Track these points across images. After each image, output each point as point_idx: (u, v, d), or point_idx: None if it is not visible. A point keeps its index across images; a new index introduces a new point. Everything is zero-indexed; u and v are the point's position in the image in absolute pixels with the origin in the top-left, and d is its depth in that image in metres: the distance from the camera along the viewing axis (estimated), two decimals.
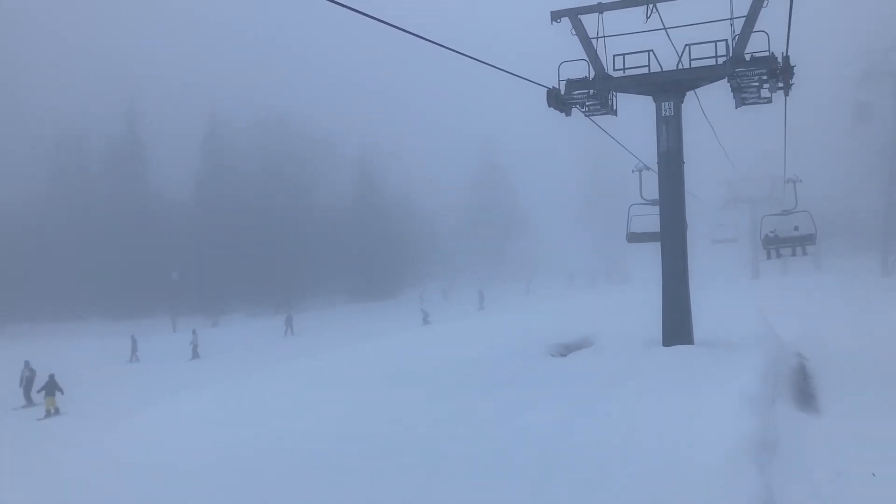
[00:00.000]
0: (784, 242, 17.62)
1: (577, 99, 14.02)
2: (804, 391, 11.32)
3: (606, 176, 71.17)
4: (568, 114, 14.98)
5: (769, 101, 14.19)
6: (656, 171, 14.08)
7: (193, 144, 60.80)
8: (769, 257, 18.50)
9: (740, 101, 14.13)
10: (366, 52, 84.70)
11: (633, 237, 15.87)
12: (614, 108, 14.83)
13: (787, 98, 15.19)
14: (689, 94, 14.42)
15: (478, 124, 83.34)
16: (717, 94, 15.23)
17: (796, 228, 17.57)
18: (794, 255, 17.92)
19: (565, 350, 14.75)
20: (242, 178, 60.49)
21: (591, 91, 13.99)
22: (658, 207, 14.20)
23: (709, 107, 17.30)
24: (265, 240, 58.00)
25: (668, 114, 13.81)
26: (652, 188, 14.87)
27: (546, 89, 13.88)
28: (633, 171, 16.47)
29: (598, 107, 14.58)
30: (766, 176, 49.60)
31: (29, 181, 61.66)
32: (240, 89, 65.60)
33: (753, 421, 8.62)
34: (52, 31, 68.31)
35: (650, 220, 14.96)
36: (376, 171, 69.11)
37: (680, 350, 12.48)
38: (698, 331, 15.12)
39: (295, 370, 12.91)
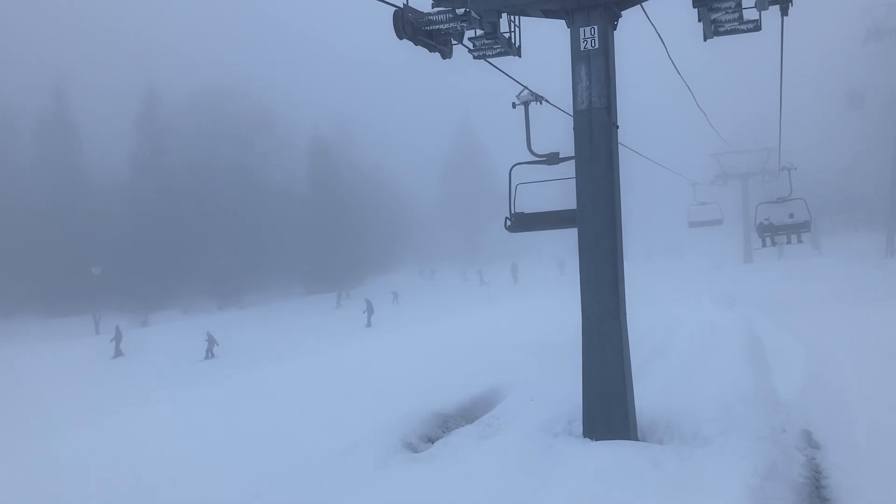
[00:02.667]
0: (779, 230, 17.02)
1: (442, 24, 8.50)
2: None
3: None
4: (445, 54, 9.50)
5: (756, 27, 8.68)
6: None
7: (128, 123, 54.74)
8: (764, 245, 17.75)
9: (711, 28, 8.66)
10: (324, 19, 78.67)
11: (521, 222, 9.82)
12: (515, 43, 9.38)
13: (784, 32, 9.94)
14: (630, 16, 8.98)
15: (453, 99, 77.46)
16: (681, 20, 9.85)
17: (791, 216, 16.91)
18: (788, 242, 17.49)
19: (441, 427, 9.45)
20: (184, 160, 54.59)
21: (467, 12, 8.48)
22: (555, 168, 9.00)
23: (674, 47, 11.85)
24: (210, 227, 52.36)
25: (589, 46, 8.36)
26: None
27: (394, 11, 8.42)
28: (513, 104, 10.16)
29: (488, 41, 9.11)
30: (757, 147, 44.35)
31: None
32: (180, 60, 59.56)
33: None
34: None
35: (558, 194, 9.48)
36: (338, 152, 63.37)
37: (605, 459, 7.17)
38: (649, 386, 9.88)
39: None
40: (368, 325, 34.13)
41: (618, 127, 8.51)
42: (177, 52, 62.08)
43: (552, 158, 9.70)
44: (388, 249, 70.12)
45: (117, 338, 33.41)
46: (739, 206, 45.67)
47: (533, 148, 10.24)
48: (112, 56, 62.45)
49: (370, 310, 34.61)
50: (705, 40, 9.13)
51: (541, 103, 10.02)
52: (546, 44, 9.64)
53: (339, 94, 68.77)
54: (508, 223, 9.94)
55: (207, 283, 52.52)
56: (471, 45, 9.28)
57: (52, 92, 55.50)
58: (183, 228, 51.50)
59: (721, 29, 8.72)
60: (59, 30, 63.33)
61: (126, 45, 63.29)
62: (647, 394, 9.48)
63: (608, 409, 8.01)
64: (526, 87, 10.09)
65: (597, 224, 8.27)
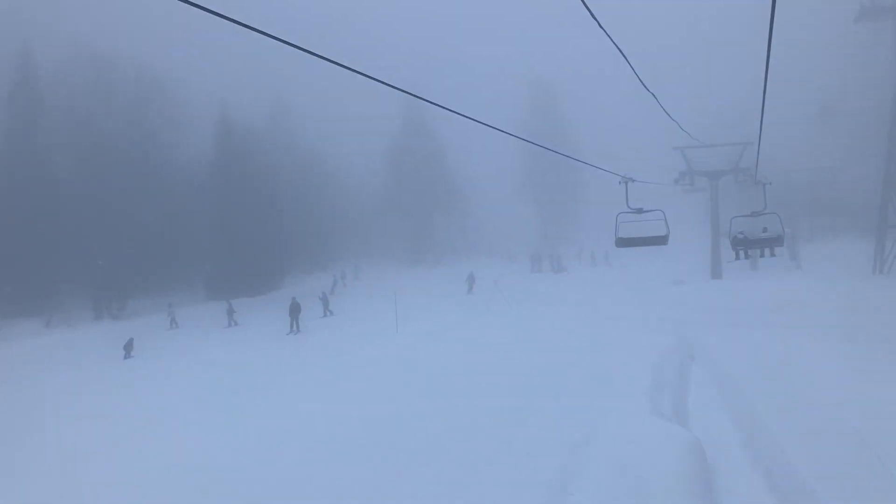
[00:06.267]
0: (752, 244, 16.92)
1: None
2: None
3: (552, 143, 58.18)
4: None
5: None
6: None
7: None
8: (737, 257, 17.71)
9: None
10: None
11: None
12: None
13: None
14: None
15: (398, 76, 69.21)
16: None
17: (765, 230, 16.79)
18: (762, 256, 17.46)
19: None
20: (62, 140, 46.15)
21: None
22: None
23: None
24: (92, 218, 44.05)
25: None
26: None
27: None
28: None
29: None
30: (731, 142, 37.63)
31: None
32: (63, 19, 50.86)
33: None
34: None
35: None
36: (256, 131, 55.33)
37: None
38: None
39: None
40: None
41: None
42: (59, 9, 53.26)
43: None
44: (321, 245, 62.60)
45: None
46: (706, 211, 38.78)
47: None
48: None
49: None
50: None
51: None
52: None
53: (257, 64, 60.21)
54: None
55: (84, 287, 44.28)
56: None
57: None
58: (57, 220, 43.26)
59: None
60: None
61: None
62: None
63: None
64: None
65: None
